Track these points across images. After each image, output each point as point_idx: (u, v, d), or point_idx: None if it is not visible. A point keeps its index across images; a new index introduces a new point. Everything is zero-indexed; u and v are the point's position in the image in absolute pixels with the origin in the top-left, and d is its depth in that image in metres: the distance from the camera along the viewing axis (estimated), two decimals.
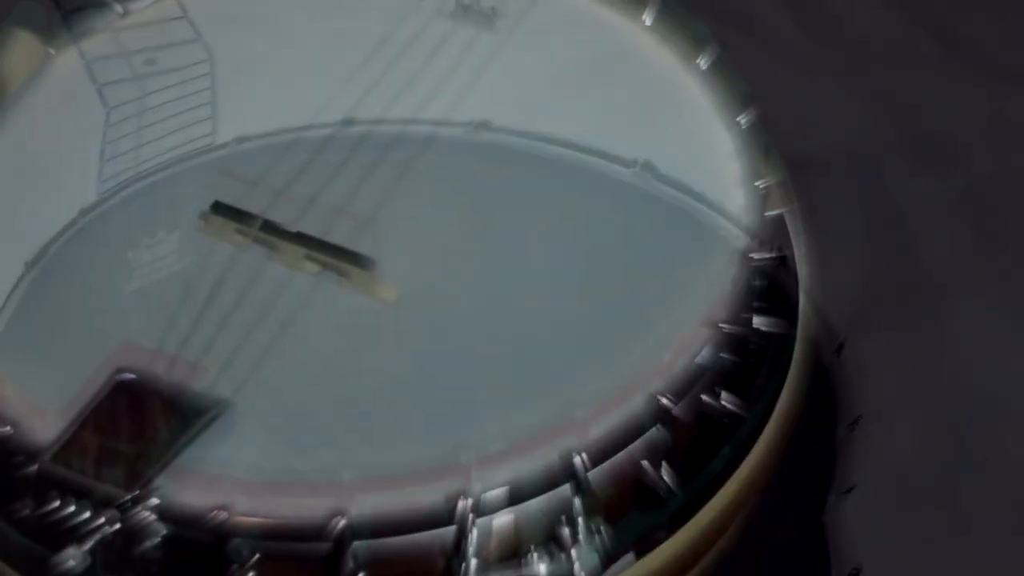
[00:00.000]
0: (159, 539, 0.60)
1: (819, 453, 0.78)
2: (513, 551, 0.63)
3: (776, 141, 0.77)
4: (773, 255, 0.71)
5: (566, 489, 0.62)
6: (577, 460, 0.62)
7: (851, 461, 0.77)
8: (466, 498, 0.60)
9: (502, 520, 0.62)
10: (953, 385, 1.02)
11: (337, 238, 0.70)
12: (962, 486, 0.97)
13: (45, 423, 0.62)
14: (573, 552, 0.63)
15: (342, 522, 0.59)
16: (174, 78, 0.81)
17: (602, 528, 0.64)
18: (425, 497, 0.60)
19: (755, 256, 0.70)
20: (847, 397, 0.79)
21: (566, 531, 0.63)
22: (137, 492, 0.59)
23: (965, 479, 0.97)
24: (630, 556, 0.65)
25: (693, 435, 0.67)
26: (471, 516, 0.60)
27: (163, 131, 0.77)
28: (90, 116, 0.79)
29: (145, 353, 0.65)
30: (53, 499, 0.60)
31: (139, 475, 0.60)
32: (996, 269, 1.12)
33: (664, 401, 0.64)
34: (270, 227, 0.70)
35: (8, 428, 0.62)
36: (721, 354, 0.67)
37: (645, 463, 0.65)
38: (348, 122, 0.77)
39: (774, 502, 0.75)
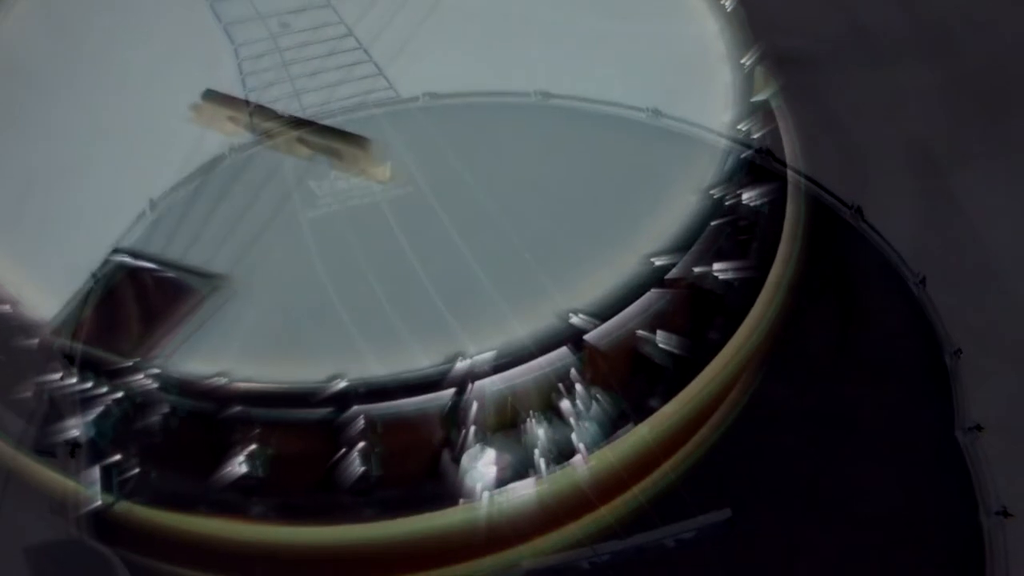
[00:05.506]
0: (160, 408, 0.61)
1: (934, 386, 0.79)
2: (512, 417, 0.64)
3: (770, 33, 0.77)
4: (762, 131, 0.72)
5: (564, 352, 0.63)
6: (576, 320, 0.62)
7: (966, 395, 0.77)
8: (464, 359, 0.60)
9: (500, 384, 0.62)
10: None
11: None
12: None
13: (45, 301, 0.63)
14: (572, 420, 0.64)
15: (341, 384, 0.59)
16: (311, 36, 0.81)
17: (600, 396, 0.65)
18: (424, 360, 0.61)
19: (743, 129, 0.71)
20: (943, 329, 0.79)
21: (565, 400, 0.64)
22: (137, 361, 0.60)
23: None
24: (628, 424, 0.66)
25: (688, 303, 0.67)
26: (469, 379, 0.61)
27: (322, 83, 0.77)
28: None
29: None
30: (54, 372, 0.61)
31: (139, 346, 0.60)
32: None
33: (659, 263, 0.64)
34: (262, 112, 0.70)
35: (7, 306, 0.63)
36: (712, 222, 0.68)
37: (641, 332, 0.66)
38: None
39: (897, 437, 0.76)
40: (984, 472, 0.73)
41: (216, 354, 0.61)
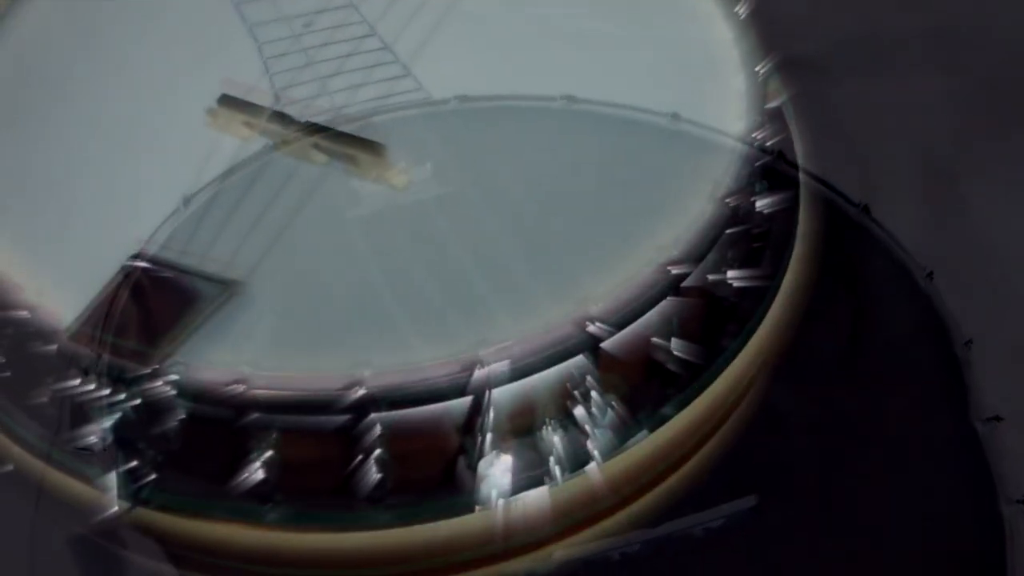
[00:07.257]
0: (178, 414, 0.61)
1: (947, 378, 0.79)
2: (528, 425, 0.64)
3: (781, 40, 0.78)
4: (774, 138, 0.72)
5: (581, 360, 0.63)
6: (592, 328, 0.62)
7: (980, 386, 0.77)
8: (482, 367, 0.61)
9: (517, 391, 0.62)
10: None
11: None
12: None
13: (63, 307, 0.63)
14: (587, 427, 0.64)
15: (360, 392, 0.59)
16: (334, 35, 0.81)
17: (614, 403, 0.65)
18: (441, 368, 0.61)
19: (757, 137, 0.71)
20: (952, 320, 0.80)
21: (580, 407, 0.64)
22: (155, 367, 0.60)
23: None
24: (643, 432, 0.66)
25: (703, 310, 0.68)
26: (486, 386, 0.61)
27: (350, 82, 0.76)
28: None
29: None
30: (72, 378, 0.61)
31: (156, 352, 0.61)
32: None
33: (674, 272, 0.65)
34: (278, 117, 0.70)
35: (25, 312, 0.63)
36: (727, 230, 0.68)
37: (657, 339, 0.66)
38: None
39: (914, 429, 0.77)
40: (1003, 462, 0.73)
41: (233, 361, 0.61)
